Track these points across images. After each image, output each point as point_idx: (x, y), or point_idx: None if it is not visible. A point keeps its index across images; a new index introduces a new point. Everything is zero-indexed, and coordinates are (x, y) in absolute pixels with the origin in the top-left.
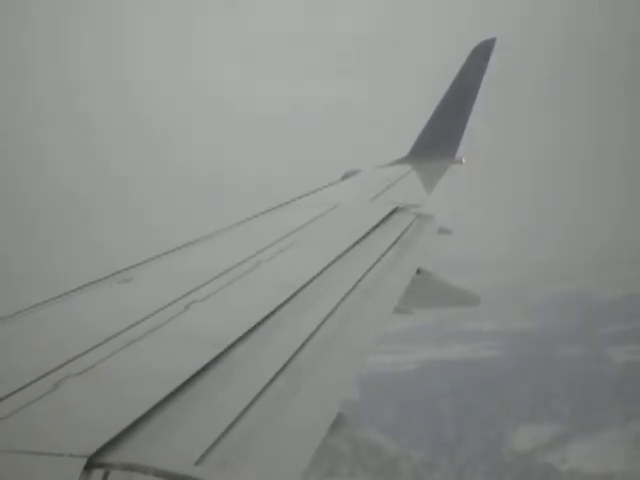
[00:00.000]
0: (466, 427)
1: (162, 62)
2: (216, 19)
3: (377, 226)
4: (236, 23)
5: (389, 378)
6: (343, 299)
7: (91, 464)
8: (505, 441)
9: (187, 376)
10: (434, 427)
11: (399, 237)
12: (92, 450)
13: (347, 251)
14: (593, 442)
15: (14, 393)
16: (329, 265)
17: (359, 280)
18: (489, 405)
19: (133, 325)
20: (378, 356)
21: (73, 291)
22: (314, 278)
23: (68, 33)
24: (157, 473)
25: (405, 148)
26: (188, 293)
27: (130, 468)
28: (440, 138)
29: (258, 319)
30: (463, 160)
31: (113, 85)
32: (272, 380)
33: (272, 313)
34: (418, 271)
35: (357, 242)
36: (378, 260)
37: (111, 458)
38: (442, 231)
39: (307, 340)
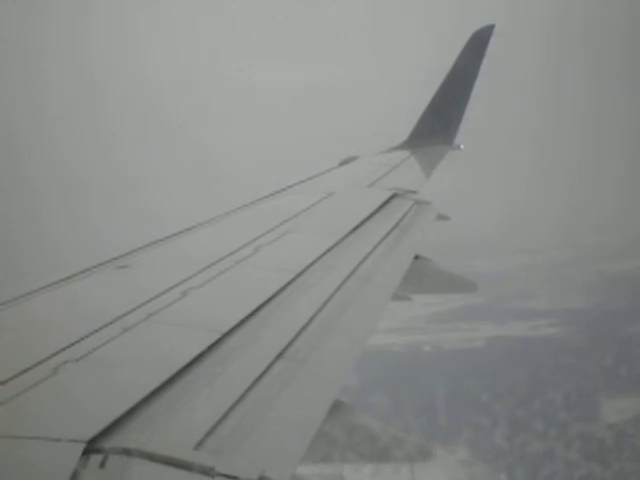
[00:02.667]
0: (562, 399)
1: (162, 57)
2: (217, 15)
3: (376, 212)
4: (238, 13)
5: (463, 353)
6: (341, 285)
7: (89, 449)
8: (596, 413)
9: (185, 362)
10: (531, 397)
11: (397, 223)
12: (90, 435)
13: (345, 237)
14: None
15: (13, 378)
16: (327, 251)
17: (357, 266)
18: (570, 379)
19: (131, 311)
20: (446, 334)
21: (71, 277)
22: (312, 264)
23: (70, 20)
24: (155, 458)
25: (404, 134)
26: (186, 279)
27: (128, 453)
28: (438, 124)
29: (256, 305)
30: (461, 146)
31: (113, 81)
32: (270, 366)
33: (270, 299)
34: (416, 257)
35: (355, 228)
36: (376, 246)
37: (109, 443)
38: (440, 217)
39: (305, 326)
